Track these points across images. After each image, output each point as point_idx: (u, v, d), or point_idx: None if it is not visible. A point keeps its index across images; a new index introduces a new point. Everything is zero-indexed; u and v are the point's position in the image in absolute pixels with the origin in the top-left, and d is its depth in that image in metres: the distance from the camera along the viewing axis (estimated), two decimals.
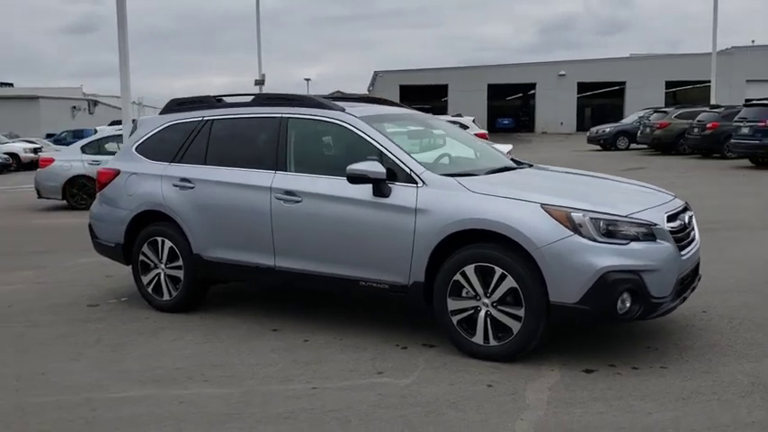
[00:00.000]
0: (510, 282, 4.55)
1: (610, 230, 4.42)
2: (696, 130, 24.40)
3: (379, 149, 5.21)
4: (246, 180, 5.64)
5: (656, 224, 4.55)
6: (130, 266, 6.38)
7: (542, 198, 4.61)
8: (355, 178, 5.01)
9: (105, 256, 6.74)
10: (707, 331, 5.17)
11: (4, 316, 6.23)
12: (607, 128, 31.26)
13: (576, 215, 4.44)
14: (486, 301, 4.66)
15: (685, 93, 48.13)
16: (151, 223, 6.17)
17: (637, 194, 5.16)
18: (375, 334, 5.33)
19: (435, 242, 4.78)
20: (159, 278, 6.14)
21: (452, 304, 4.79)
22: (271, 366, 4.74)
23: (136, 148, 6.46)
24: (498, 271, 4.58)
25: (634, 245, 4.42)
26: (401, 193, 4.97)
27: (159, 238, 6.09)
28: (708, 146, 23.96)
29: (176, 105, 6.47)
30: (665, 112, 28.33)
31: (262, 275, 5.68)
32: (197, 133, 6.10)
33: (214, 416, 3.95)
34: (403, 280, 4.97)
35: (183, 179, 5.96)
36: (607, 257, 4.35)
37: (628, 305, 4.40)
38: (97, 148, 14.46)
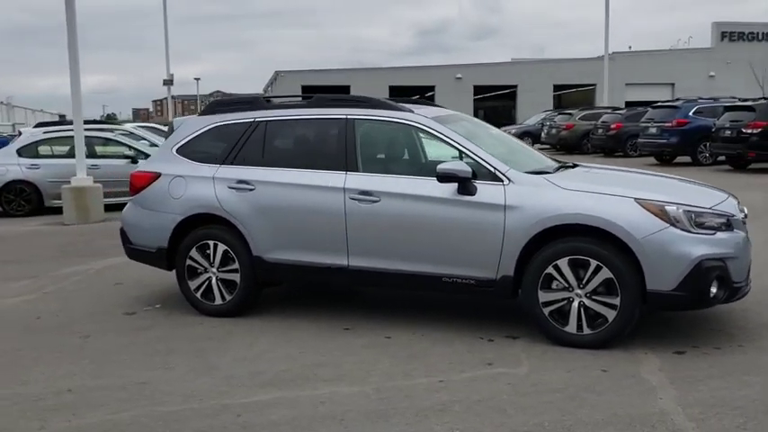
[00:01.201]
0: (605, 273, 4.85)
1: (699, 222, 4.82)
2: (600, 130, 25.94)
3: (458, 149, 5.39)
4: (315, 181, 5.65)
5: (733, 215, 5.00)
6: (173, 272, 6.22)
7: (634, 193, 4.96)
8: (444, 177, 5.16)
9: (142, 261, 6.50)
10: (750, 311, 5.66)
11: (45, 328, 5.90)
12: (513, 129, 32.62)
13: (670, 208, 4.81)
14: (580, 291, 4.94)
15: (569, 96, 50.76)
16: (200, 227, 6.04)
17: (701, 189, 5.58)
18: (453, 328, 5.49)
19: (528, 237, 5.01)
20: (210, 283, 6.02)
21: (543, 296, 5.04)
22: (378, 363, 4.81)
23: (177, 150, 6.28)
24: (593, 263, 4.87)
25: (719, 234, 4.84)
26: (487, 191, 5.16)
27: (211, 242, 5.97)
28: (612, 145, 25.54)
29: (219, 106, 6.36)
30: (569, 113, 29.88)
31: (332, 275, 5.70)
32: (250, 134, 6.02)
33: (368, 413, 4.00)
34: (490, 275, 5.17)
35: (241, 181, 5.87)
36: (700, 247, 4.75)
37: (715, 290, 4.81)
38: (35, 151, 13.66)
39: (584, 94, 50.50)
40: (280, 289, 6.73)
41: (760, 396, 4.09)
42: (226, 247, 5.93)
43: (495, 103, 49.58)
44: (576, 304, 4.97)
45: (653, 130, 21.47)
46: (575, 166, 6.14)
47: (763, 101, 19.11)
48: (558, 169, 5.80)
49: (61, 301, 6.79)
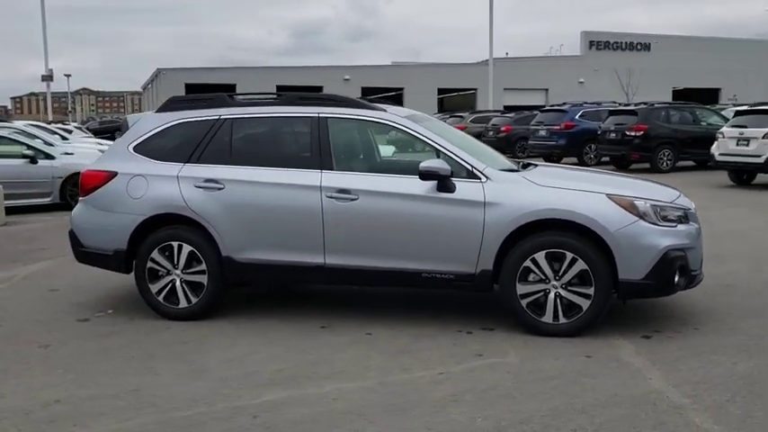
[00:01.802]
0: (581, 264, 5.14)
1: (663, 215, 5.21)
2: (491, 132, 26.95)
3: (436, 148, 5.53)
4: (290, 180, 5.61)
5: (689, 208, 5.43)
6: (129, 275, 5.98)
7: (604, 189, 5.28)
8: (426, 175, 5.29)
9: (95, 265, 6.20)
10: (690, 297, 6.15)
11: None
12: None
13: (639, 203, 5.17)
14: (556, 283, 5.21)
15: (452, 99, 52.32)
16: (163, 227, 5.84)
17: (656, 186, 5.98)
18: (430, 323, 5.62)
19: (508, 232, 5.22)
20: (174, 285, 5.83)
21: (521, 289, 5.27)
22: (370, 360, 4.86)
23: (134, 148, 6.04)
24: (569, 255, 5.15)
25: (680, 227, 5.25)
26: (466, 189, 5.33)
27: (175, 243, 5.79)
28: (502, 147, 26.52)
29: (179, 103, 6.17)
30: (461, 116, 30.80)
31: (308, 274, 5.68)
32: (215, 132, 5.89)
33: (385, 407, 4.05)
34: (469, 269, 5.34)
35: (209, 180, 5.73)
36: (666, 238, 5.13)
37: (677, 278, 5.21)
38: None
39: (466, 98, 52.17)
40: (243, 290, 6.61)
41: (734, 373, 4.49)
42: (191, 248, 5.77)
43: None
44: (552, 295, 5.23)
45: (542, 133, 22.58)
46: (536, 165, 6.42)
47: (643, 106, 20.55)
48: (524, 168, 6.05)
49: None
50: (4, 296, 6.87)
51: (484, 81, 50.48)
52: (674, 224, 5.23)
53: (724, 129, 16.14)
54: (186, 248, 5.78)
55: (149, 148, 6.00)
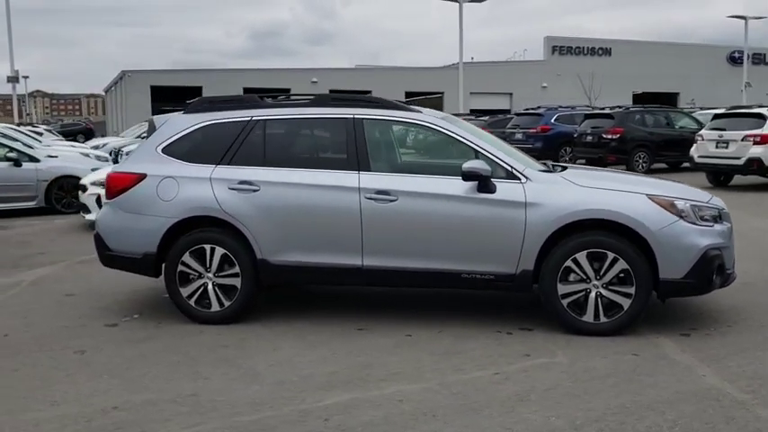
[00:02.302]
0: (622, 264, 5.21)
1: (701, 215, 5.31)
2: None
3: (474, 149, 5.55)
4: (327, 181, 5.58)
5: (723, 208, 5.55)
6: (161, 278, 5.87)
7: (644, 190, 5.37)
8: (470, 176, 5.31)
9: (123, 269, 6.07)
10: (715, 295, 6.27)
11: (23, 346, 5.34)
12: None
13: (678, 203, 5.27)
14: (597, 282, 5.27)
15: (420, 103, 52.45)
16: (195, 230, 5.74)
17: (687, 187, 6.06)
18: (468, 324, 5.63)
19: (550, 232, 5.27)
20: (206, 289, 5.74)
21: (562, 288, 5.32)
22: (421, 361, 4.85)
23: (163, 150, 5.93)
24: (610, 255, 5.22)
25: (716, 226, 5.36)
26: (507, 189, 5.36)
27: (207, 246, 5.70)
28: None
29: (209, 104, 6.08)
30: None
31: (345, 276, 5.65)
32: (248, 134, 5.82)
33: (455, 408, 4.05)
34: (510, 269, 5.38)
35: (244, 182, 5.66)
36: (705, 237, 5.24)
37: (714, 277, 5.32)
38: None
39: (432, 102, 52.37)
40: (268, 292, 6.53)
41: None
42: (224, 251, 5.69)
43: None
44: (593, 295, 5.28)
45: (519, 136, 22.80)
46: (565, 166, 6.43)
47: (618, 109, 20.94)
48: (558, 169, 6.08)
49: (17, 317, 6.16)
50: (19, 301, 6.68)
51: (450, 85, 50.85)
52: (711, 224, 5.33)
53: (703, 131, 16.53)
54: (219, 251, 5.69)
55: (179, 150, 5.90)
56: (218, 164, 5.79)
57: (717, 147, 15.59)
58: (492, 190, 5.36)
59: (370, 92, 49.75)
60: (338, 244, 5.57)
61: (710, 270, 5.24)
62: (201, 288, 5.76)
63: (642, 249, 5.22)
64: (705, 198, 5.54)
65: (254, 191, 5.65)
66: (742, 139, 15.59)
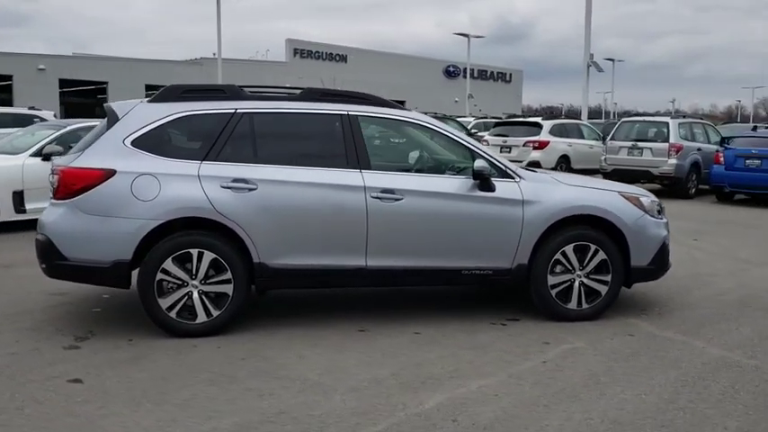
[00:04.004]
0: (601, 255, 5.77)
1: (657, 209, 6.07)
2: None
3: (470, 149, 5.73)
4: (331, 179, 5.36)
5: (661, 204, 6.38)
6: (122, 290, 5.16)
7: (615, 188, 6.00)
8: (479, 175, 5.48)
9: (80, 280, 5.24)
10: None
11: None
12: None
13: (643, 199, 5.97)
14: (580, 272, 5.77)
15: None
16: (176, 233, 5.15)
17: (634, 186, 6.75)
18: (454, 319, 5.77)
19: (545, 227, 5.65)
20: (190, 298, 5.19)
21: (551, 280, 5.73)
22: (462, 357, 4.90)
23: (132, 143, 5.20)
24: (592, 247, 5.75)
25: (664, 219, 6.16)
26: (504, 188, 5.64)
27: (194, 250, 5.15)
28: None
29: (183, 93, 5.45)
30: None
31: (347, 277, 5.48)
32: (233, 127, 5.35)
33: (551, 395, 4.22)
34: (506, 264, 5.66)
35: (239, 180, 5.20)
36: (662, 229, 6.01)
37: (667, 263, 6.12)
38: None
39: None
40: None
41: (750, 335, 5.49)
42: (214, 256, 5.19)
43: (84, 100, 46.25)
44: (577, 284, 5.78)
45: None
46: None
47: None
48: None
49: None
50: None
51: (194, 79, 49.29)
52: (662, 217, 6.13)
53: (487, 137, 18.26)
54: (208, 256, 5.17)
55: (152, 144, 5.23)
56: (204, 160, 5.25)
57: (500, 152, 17.29)
58: (493, 188, 5.59)
59: (105, 83, 46.37)
60: (342, 245, 5.39)
61: (666, 257, 6.03)
62: (185, 298, 5.18)
63: (615, 241, 5.82)
64: (651, 195, 6.34)
65: (251, 189, 5.22)
66: (523, 145, 17.52)
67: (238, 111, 5.40)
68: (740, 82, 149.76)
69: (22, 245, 9.01)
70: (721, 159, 14.98)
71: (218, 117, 5.37)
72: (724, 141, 15.47)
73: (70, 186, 5.09)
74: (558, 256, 5.71)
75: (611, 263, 5.79)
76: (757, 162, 14.53)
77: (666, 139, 15.78)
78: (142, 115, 5.32)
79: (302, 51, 56.60)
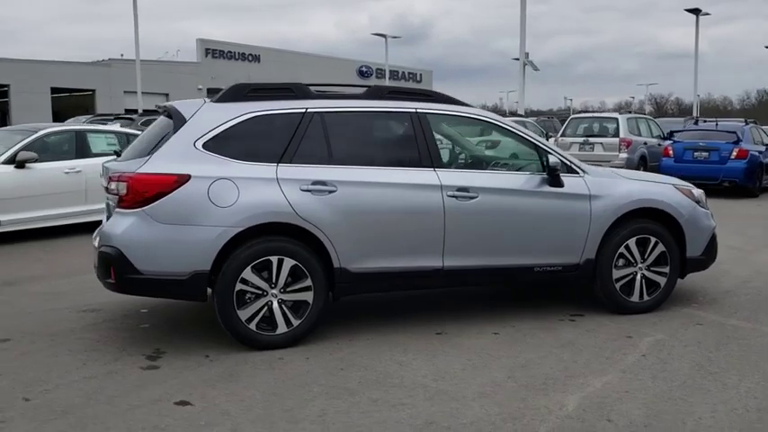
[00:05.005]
0: (660, 247, 5.85)
1: (705, 201, 6.22)
2: None
3: (536, 145, 5.69)
4: (409, 179, 5.20)
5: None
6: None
7: (669, 180, 6.10)
8: (553, 171, 5.45)
9: (155, 294, 4.90)
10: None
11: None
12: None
13: (695, 191, 6.10)
14: (642, 265, 5.84)
15: (68, 100, 47.74)
16: (255, 240, 4.86)
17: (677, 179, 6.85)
18: (528, 316, 5.73)
19: (611, 222, 5.68)
20: (270, 308, 4.91)
21: (616, 273, 5.77)
22: (551, 357, 4.80)
23: (203, 146, 4.86)
24: (653, 240, 5.83)
25: (709, 210, 6.32)
26: (571, 183, 5.63)
27: (274, 258, 4.88)
28: None
29: (250, 92, 5.13)
30: (131, 119, 28.61)
31: (424, 279, 5.33)
32: (306, 127, 5.10)
33: (689, 386, 4.23)
34: (575, 259, 5.66)
35: (318, 182, 4.96)
36: (711, 220, 6.16)
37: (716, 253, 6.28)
38: None
39: (80, 99, 48.23)
40: None
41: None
42: (295, 262, 4.93)
43: None
44: (638, 277, 5.84)
45: None
46: None
47: None
48: None
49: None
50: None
51: (101, 82, 47.34)
52: (708, 209, 6.29)
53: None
54: (288, 263, 4.91)
55: (224, 146, 4.91)
56: (279, 162, 4.97)
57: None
58: (562, 184, 5.57)
59: (7, 86, 43.76)
60: (420, 246, 5.23)
61: (715, 247, 6.19)
62: (265, 308, 4.90)
63: (673, 233, 5.92)
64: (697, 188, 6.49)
65: (331, 192, 4.99)
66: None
67: (309, 110, 5.15)
68: (626, 79, 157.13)
69: (14, 259, 8.37)
70: (670, 152, 15.63)
71: (289, 117, 5.10)
72: (672, 135, 16.14)
73: (142, 194, 4.70)
74: (622, 249, 5.75)
75: (670, 255, 5.88)
76: (705, 154, 15.25)
77: (617, 134, 16.32)
78: (211, 116, 4.98)
79: (214, 51, 55.28)
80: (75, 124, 12.34)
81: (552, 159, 5.48)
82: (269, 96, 5.18)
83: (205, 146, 4.87)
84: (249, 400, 4.10)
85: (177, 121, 4.98)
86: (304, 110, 5.14)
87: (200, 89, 53.37)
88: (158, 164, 4.82)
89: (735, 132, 15.38)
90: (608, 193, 5.69)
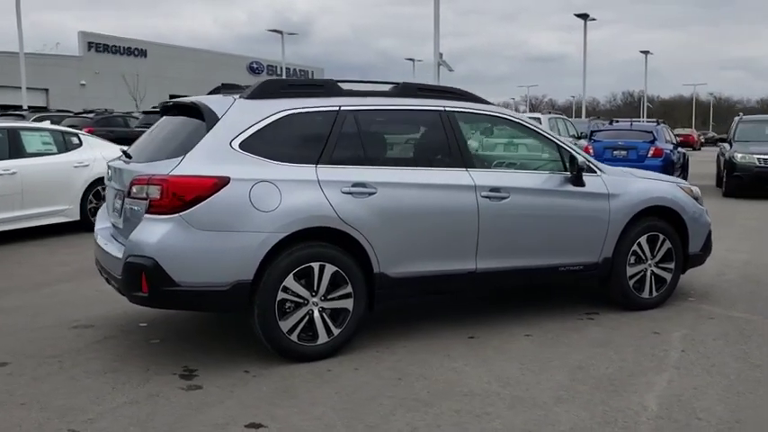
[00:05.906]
0: (667, 244, 6.00)
1: (701, 199, 6.43)
2: None
3: (557, 144, 5.68)
4: (445, 180, 5.04)
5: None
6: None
7: (673, 179, 6.25)
8: (580, 170, 5.46)
9: (193, 308, 4.51)
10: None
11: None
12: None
13: (695, 189, 6.29)
14: (651, 262, 5.97)
15: None
16: (296, 246, 4.56)
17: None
18: (541, 318, 5.70)
19: (627, 220, 5.75)
20: (311, 317, 4.64)
21: (629, 271, 5.87)
22: (600, 357, 4.78)
23: (240, 146, 4.50)
24: (661, 237, 5.97)
25: (705, 207, 6.53)
26: (592, 182, 5.65)
27: (316, 264, 4.60)
28: None
29: (283, 89, 4.80)
30: (21, 115, 26.67)
31: (457, 282, 5.20)
32: (340, 126, 4.83)
33: (747, 382, 4.32)
34: (594, 258, 5.70)
35: (358, 184, 4.72)
36: (707, 216, 6.38)
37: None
38: None
39: None
40: None
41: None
42: (336, 268, 4.67)
43: None
44: (648, 273, 5.96)
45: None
46: None
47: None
48: None
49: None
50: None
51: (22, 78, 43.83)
52: (704, 206, 6.51)
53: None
54: (329, 269, 4.65)
55: (262, 146, 4.58)
56: (318, 163, 4.69)
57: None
58: (584, 183, 5.59)
59: None
60: (455, 248, 5.10)
61: (711, 242, 6.42)
62: (306, 317, 4.61)
63: (677, 230, 6.08)
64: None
65: (371, 194, 4.76)
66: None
67: (342, 108, 4.89)
68: (500, 81, 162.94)
69: None
70: (591, 151, 16.21)
71: (324, 115, 4.82)
72: (593, 134, 16.77)
73: (179, 198, 4.29)
74: (635, 247, 5.84)
75: (675, 251, 6.04)
76: (624, 152, 15.94)
77: None
78: (245, 114, 4.62)
79: (98, 45, 52.59)
80: (7, 121, 11.26)
81: (580, 159, 5.49)
82: (301, 93, 4.88)
83: (242, 145, 4.52)
84: (324, 417, 3.82)
85: (210, 118, 4.58)
86: (338, 108, 4.88)
87: (83, 84, 50.74)
88: (194, 165, 4.41)
89: (651, 132, 16.18)
90: (624, 191, 5.77)
